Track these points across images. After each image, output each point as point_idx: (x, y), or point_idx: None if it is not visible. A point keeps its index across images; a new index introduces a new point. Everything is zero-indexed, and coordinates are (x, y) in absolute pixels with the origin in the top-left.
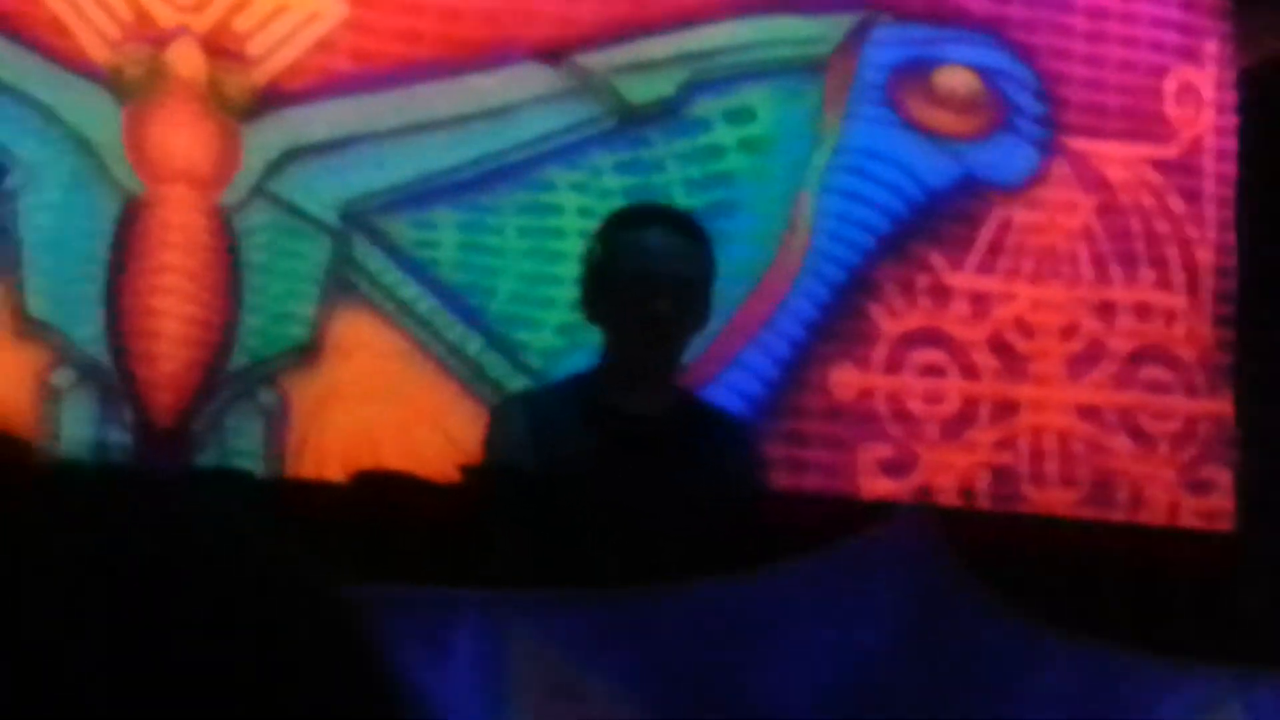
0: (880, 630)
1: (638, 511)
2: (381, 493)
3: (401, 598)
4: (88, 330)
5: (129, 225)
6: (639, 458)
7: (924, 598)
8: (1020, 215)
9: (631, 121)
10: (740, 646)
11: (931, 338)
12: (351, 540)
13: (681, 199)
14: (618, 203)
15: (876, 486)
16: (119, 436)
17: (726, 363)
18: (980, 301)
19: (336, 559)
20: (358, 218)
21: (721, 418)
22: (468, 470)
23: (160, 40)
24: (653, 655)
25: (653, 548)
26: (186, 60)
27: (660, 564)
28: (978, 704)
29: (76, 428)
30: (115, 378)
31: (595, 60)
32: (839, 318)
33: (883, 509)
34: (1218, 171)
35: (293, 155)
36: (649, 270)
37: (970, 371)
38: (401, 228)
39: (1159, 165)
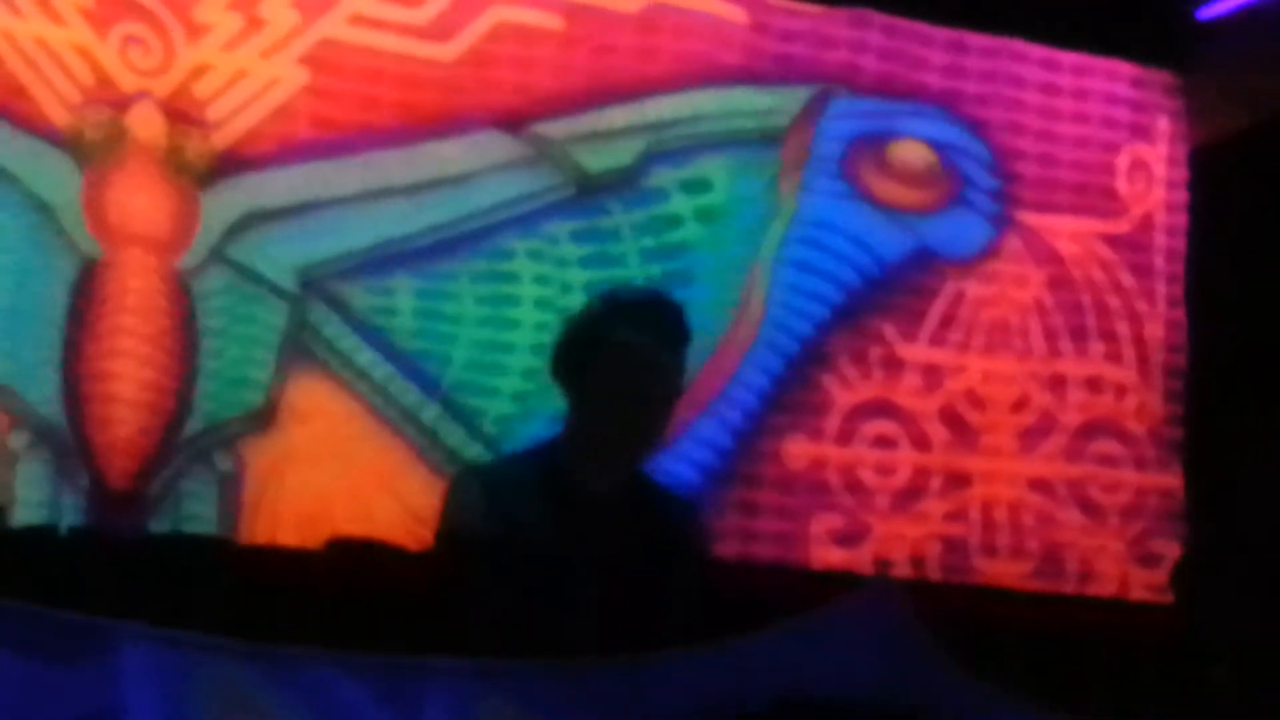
0: (845, 700)
1: (596, 584)
2: (351, 559)
3: (371, 664)
4: (44, 392)
5: (86, 288)
6: (595, 533)
7: (893, 668)
8: (973, 288)
9: (589, 190)
10: (710, 714)
11: (884, 409)
12: (321, 605)
13: (637, 268)
14: (574, 271)
15: (828, 556)
16: (74, 499)
17: (680, 432)
18: (932, 373)
19: (307, 624)
20: (315, 283)
21: (673, 496)
22: (437, 539)
23: (121, 104)
24: None
25: (612, 619)
26: (147, 124)
27: (620, 635)
28: None
29: (32, 490)
30: (71, 441)
31: (554, 129)
32: (792, 388)
33: (841, 579)
34: (1168, 247)
35: (251, 220)
36: (642, 356)
37: (922, 443)
38: (359, 294)
39: (1110, 240)
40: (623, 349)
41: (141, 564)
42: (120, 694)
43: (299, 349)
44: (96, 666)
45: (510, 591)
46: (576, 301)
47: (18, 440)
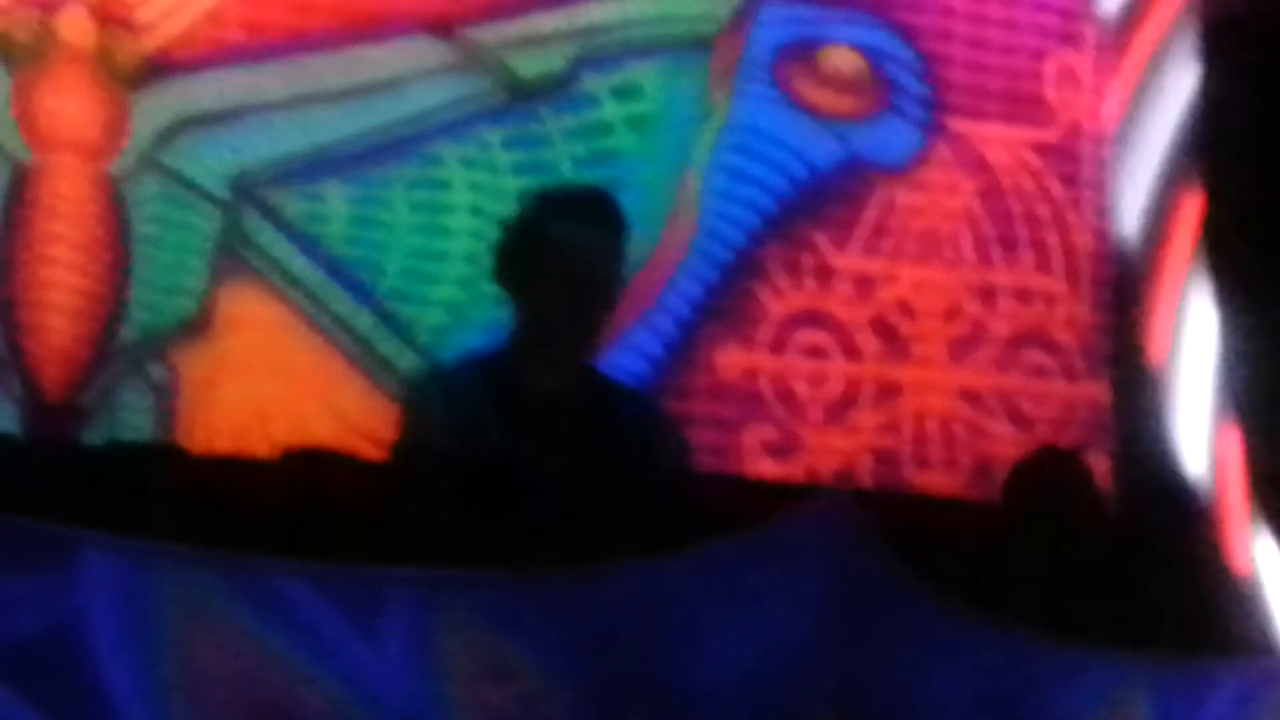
0: (803, 610)
1: (557, 488)
2: (307, 469)
3: (330, 574)
4: None
5: (16, 194)
6: (554, 435)
7: (846, 579)
8: (903, 197)
9: (521, 97)
10: (666, 626)
11: (816, 319)
12: (278, 517)
13: (569, 175)
14: (506, 178)
15: (761, 468)
16: (8, 409)
17: (614, 341)
18: (864, 283)
19: (264, 535)
20: (247, 190)
21: (628, 391)
22: (393, 448)
23: (50, 6)
24: (580, 634)
25: (576, 524)
26: (76, 27)
27: (585, 541)
28: (895, 683)
29: None
30: (5, 350)
31: (485, 34)
32: (725, 297)
33: (784, 491)
34: (1095, 156)
35: (182, 125)
36: (581, 248)
37: (854, 353)
38: (291, 200)
39: (1039, 148)
40: (562, 242)
41: (89, 473)
42: (79, 603)
43: (232, 256)
44: (54, 575)
45: (474, 499)
46: (509, 209)
47: None
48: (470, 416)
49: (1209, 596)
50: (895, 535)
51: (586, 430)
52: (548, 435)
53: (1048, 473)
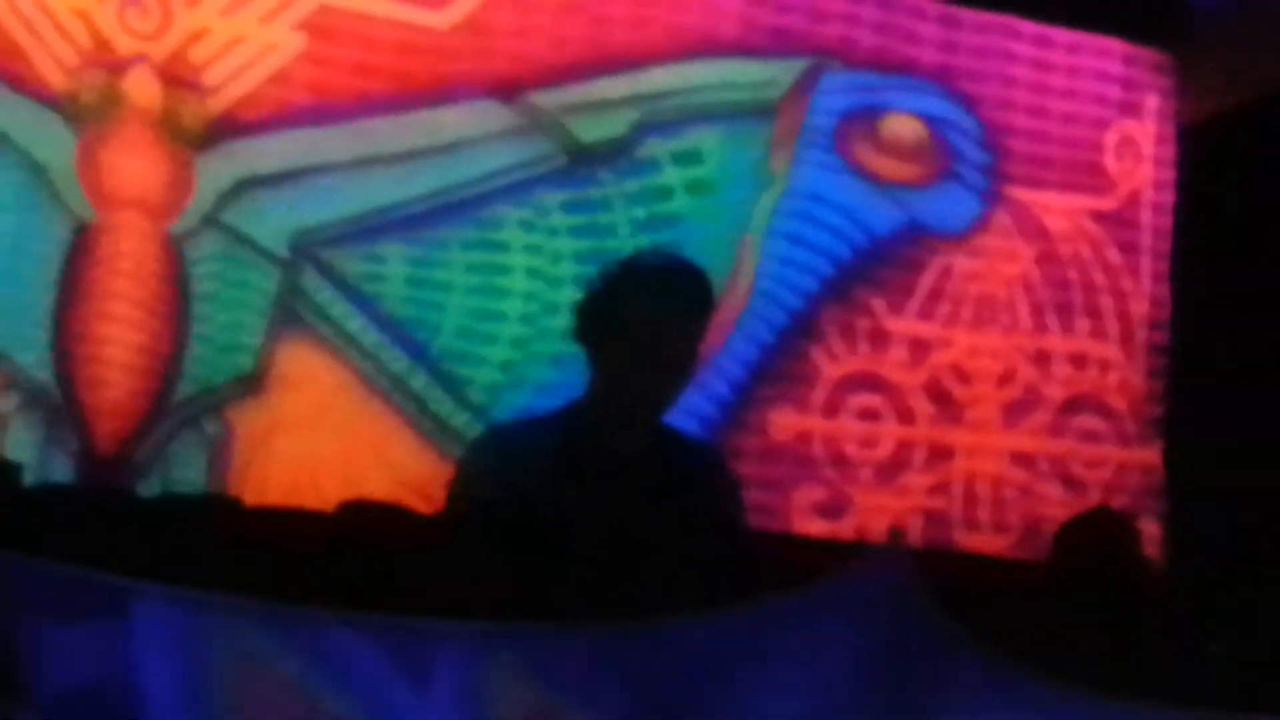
0: (855, 665)
1: (621, 546)
2: (361, 521)
3: (381, 625)
4: (35, 355)
5: (79, 251)
6: (623, 494)
7: (898, 633)
8: (961, 262)
9: (581, 161)
10: (718, 680)
11: (870, 382)
12: (331, 568)
13: (628, 239)
14: (564, 241)
15: (810, 528)
16: (64, 462)
17: None
18: (919, 347)
19: (317, 587)
20: (307, 249)
21: (695, 445)
22: (449, 501)
23: (117, 68)
24: (632, 688)
25: (637, 582)
26: (143, 88)
27: (645, 598)
28: None
29: (21, 452)
30: (61, 403)
31: (548, 99)
32: (780, 359)
33: (837, 548)
34: (1155, 225)
35: (245, 186)
36: (668, 322)
37: (906, 416)
38: (350, 260)
39: (1097, 217)
40: (650, 313)
41: (142, 523)
42: (132, 655)
43: (289, 315)
44: (107, 624)
45: (532, 553)
46: (567, 271)
47: (8, 402)
48: (535, 472)
49: (1261, 658)
50: (945, 592)
51: (658, 489)
52: (620, 493)
53: (1095, 531)
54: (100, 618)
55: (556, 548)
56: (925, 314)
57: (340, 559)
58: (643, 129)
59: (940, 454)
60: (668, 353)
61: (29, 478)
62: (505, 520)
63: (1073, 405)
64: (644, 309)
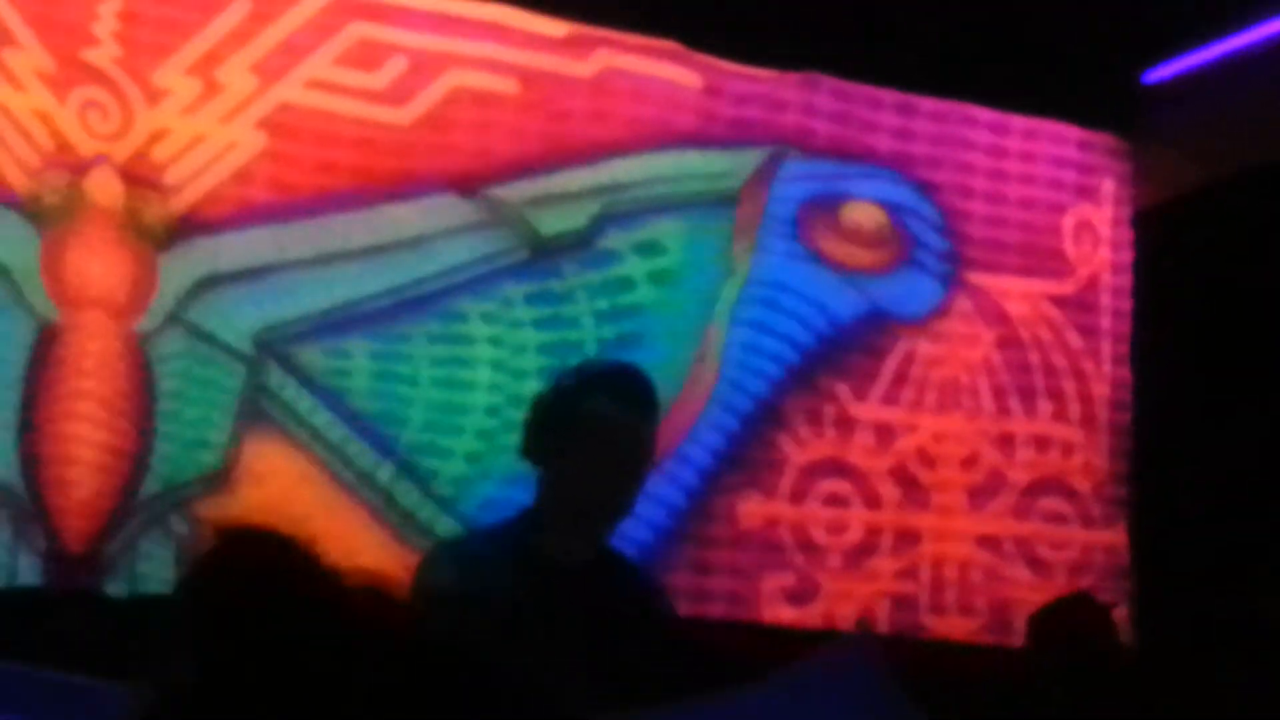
0: None
1: (567, 654)
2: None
3: None
4: (1, 455)
5: (44, 351)
6: (568, 603)
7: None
8: (924, 348)
9: (543, 253)
10: None
11: (836, 468)
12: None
13: (591, 330)
14: (528, 333)
15: (779, 614)
16: (31, 561)
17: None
18: (884, 432)
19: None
20: (272, 345)
21: (632, 563)
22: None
23: (79, 168)
24: None
25: (586, 687)
26: (105, 188)
27: (595, 701)
28: None
29: None
30: (28, 503)
31: (509, 192)
32: (747, 447)
33: (802, 636)
34: (1114, 307)
35: (209, 283)
36: (616, 427)
37: (873, 501)
38: (315, 356)
39: (1057, 301)
40: (596, 421)
41: (110, 623)
42: None
43: (255, 411)
44: None
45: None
46: (531, 363)
47: None
48: (484, 583)
49: None
50: (913, 679)
51: (603, 599)
52: (565, 602)
53: (1072, 617)
54: (65, 718)
55: (511, 657)
56: (890, 399)
57: None
58: (604, 220)
59: (907, 538)
60: (622, 453)
61: None
62: (461, 631)
63: (1037, 487)
64: (595, 412)
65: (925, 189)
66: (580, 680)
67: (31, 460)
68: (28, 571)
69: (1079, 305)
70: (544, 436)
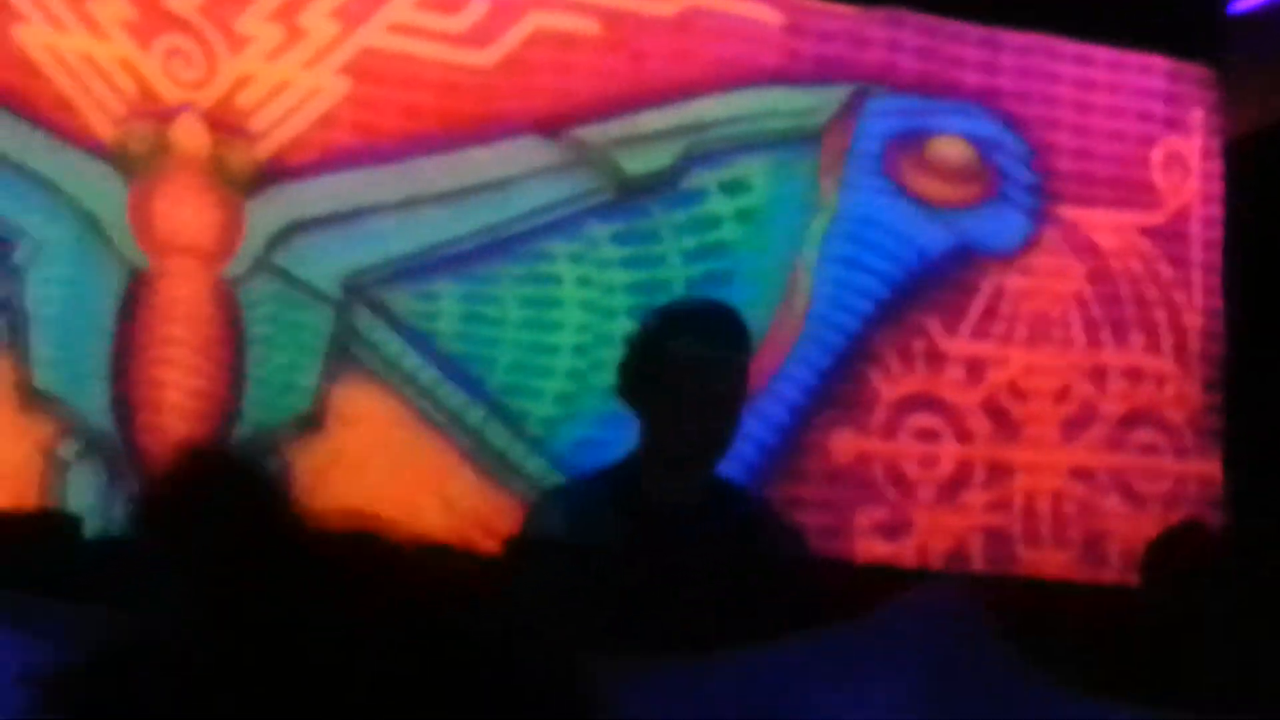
0: (914, 696)
1: (675, 593)
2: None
3: None
4: (94, 402)
5: (134, 298)
6: (676, 545)
7: (957, 663)
8: (1013, 282)
9: (629, 193)
10: (780, 712)
11: (927, 402)
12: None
13: (679, 269)
14: (616, 272)
15: (873, 549)
16: (124, 508)
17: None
18: (975, 367)
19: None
20: (360, 289)
21: (745, 496)
22: (507, 544)
23: (164, 116)
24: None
25: (693, 627)
26: (190, 136)
27: (703, 631)
28: None
29: (82, 498)
30: (121, 449)
31: (593, 133)
32: (837, 383)
33: (897, 574)
34: (1204, 238)
35: (295, 228)
36: (707, 364)
37: (965, 435)
38: (403, 299)
39: (1147, 232)
40: (685, 360)
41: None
42: None
43: (344, 354)
44: None
45: (588, 598)
46: (620, 303)
47: (68, 449)
48: (592, 529)
49: None
50: (1007, 618)
51: (711, 537)
52: (674, 543)
53: (1186, 549)
54: None
55: (618, 601)
56: (980, 333)
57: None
58: (689, 160)
59: (999, 472)
60: (715, 390)
61: (92, 522)
62: (569, 576)
63: (1130, 419)
64: (687, 350)
65: (1012, 123)
66: (690, 626)
67: (124, 407)
68: (122, 517)
69: (1170, 236)
70: (636, 379)
